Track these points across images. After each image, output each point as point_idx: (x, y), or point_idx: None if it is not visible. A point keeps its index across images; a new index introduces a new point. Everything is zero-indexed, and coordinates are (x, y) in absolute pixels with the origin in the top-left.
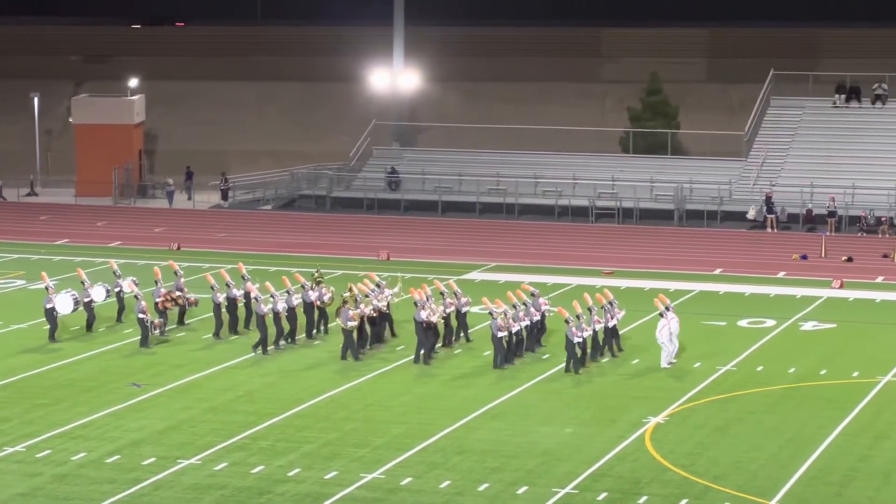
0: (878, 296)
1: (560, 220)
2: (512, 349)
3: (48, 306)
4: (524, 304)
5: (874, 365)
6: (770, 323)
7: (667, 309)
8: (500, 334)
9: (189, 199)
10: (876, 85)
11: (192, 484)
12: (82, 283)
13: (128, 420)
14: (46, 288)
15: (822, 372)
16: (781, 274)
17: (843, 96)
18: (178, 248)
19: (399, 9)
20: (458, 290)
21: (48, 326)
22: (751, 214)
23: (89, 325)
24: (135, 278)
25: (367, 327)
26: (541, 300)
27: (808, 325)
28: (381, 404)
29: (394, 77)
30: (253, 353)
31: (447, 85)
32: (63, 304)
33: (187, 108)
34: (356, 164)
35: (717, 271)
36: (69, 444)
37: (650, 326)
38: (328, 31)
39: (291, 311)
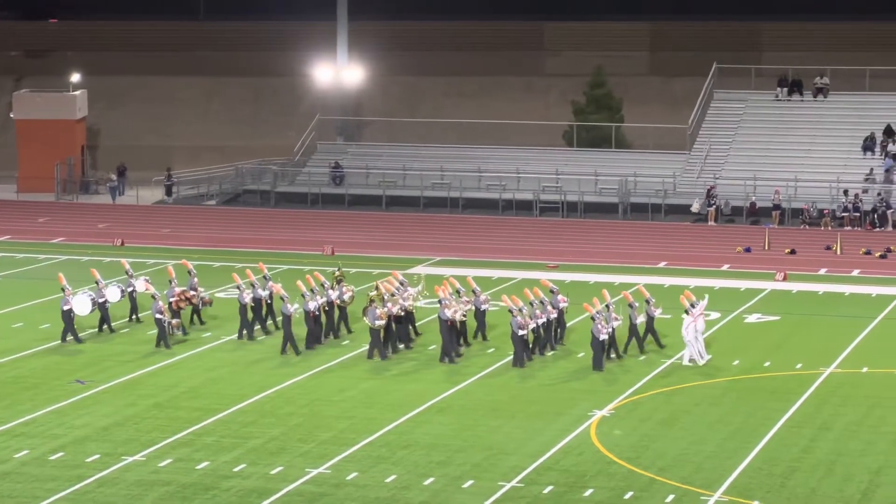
0: (822, 288)
1: (504, 214)
2: (529, 347)
3: (65, 308)
4: (541, 301)
5: (817, 357)
6: (714, 315)
7: (692, 306)
8: (520, 332)
9: (121, 194)
10: (817, 78)
11: (137, 480)
12: (96, 282)
13: (71, 417)
14: (63, 289)
15: (766, 364)
16: (725, 267)
17: (786, 89)
18: (122, 244)
19: (342, 3)
20: (477, 288)
21: (63, 327)
22: (695, 207)
23: (101, 326)
24: (147, 277)
25: (393, 326)
26: (559, 297)
27: (753, 318)
28: (327, 399)
29: (337, 72)
30: (283, 356)
31: (391, 79)
32: (81, 305)
33: (130, 104)
34: (300, 159)
35: (662, 264)
36: (12, 441)
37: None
38: (272, 26)
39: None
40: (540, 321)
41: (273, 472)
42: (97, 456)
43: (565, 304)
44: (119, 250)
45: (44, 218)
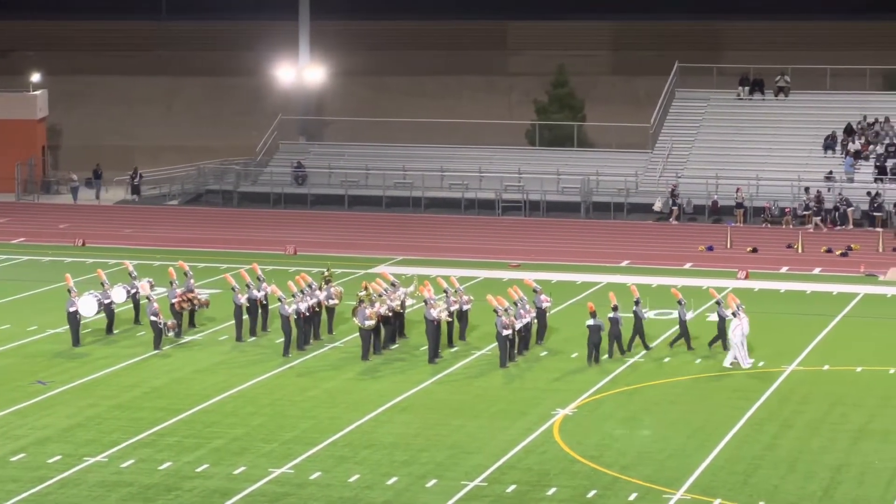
0: (783, 286)
1: (467, 214)
2: (513, 347)
3: (71, 309)
4: (521, 299)
5: (779, 354)
6: (674, 315)
7: (738, 308)
8: (504, 332)
9: (97, 197)
10: (779, 77)
11: (99, 481)
12: (102, 284)
13: (33, 418)
14: (69, 290)
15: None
16: (688, 265)
17: (747, 88)
18: (84, 245)
19: (304, 3)
20: (461, 288)
21: (71, 331)
22: (657, 206)
23: (109, 328)
24: (151, 280)
25: (382, 327)
26: (542, 297)
27: (715, 316)
28: (289, 399)
29: (300, 71)
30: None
31: (353, 79)
32: (87, 306)
33: (92, 104)
34: (263, 159)
35: (625, 263)
36: None
37: (555, 319)
38: (233, 25)
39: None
40: (525, 320)
41: (236, 472)
42: (59, 457)
43: (548, 304)
44: (80, 250)
45: (4, 218)
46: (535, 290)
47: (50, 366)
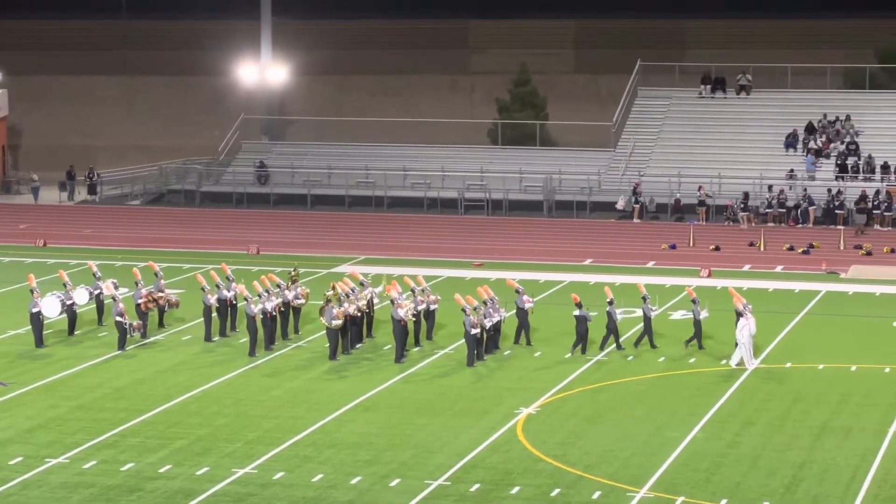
0: (746, 284)
1: (429, 213)
2: (482, 346)
3: (34, 310)
4: (491, 299)
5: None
6: (640, 312)
7: (745, 308)
8: (473, 331)
9: (70, 199)
10: (740, 75)
11: (61, 483)
12: (64, 285)
13: None
14: (32, 291)
15: (692, 360)
16: (651, 263)
17: (709, 87)
18: (45, 245)
19: (266, 2)
20: (427, 287)
21: (33, 332)
22: (620, 205)
23: (71, 329)
24: (115, 280)
25: (349, 326)
26: (524, 297)
27: (678, 315)
28: (253, 399)
29: (262, 71)
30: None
31: (315, 78)
32: (50, 307)
33: (53, 103)
34: (225, 159)
35: (588, 261)
36: None
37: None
38: (195, 24)
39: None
40: (494, 320)
41: (199, 472)
42: (20, 458)
43: (530, 305)
44: (41, 251)
45: None
46: (517, 291)
47: (11, 367)
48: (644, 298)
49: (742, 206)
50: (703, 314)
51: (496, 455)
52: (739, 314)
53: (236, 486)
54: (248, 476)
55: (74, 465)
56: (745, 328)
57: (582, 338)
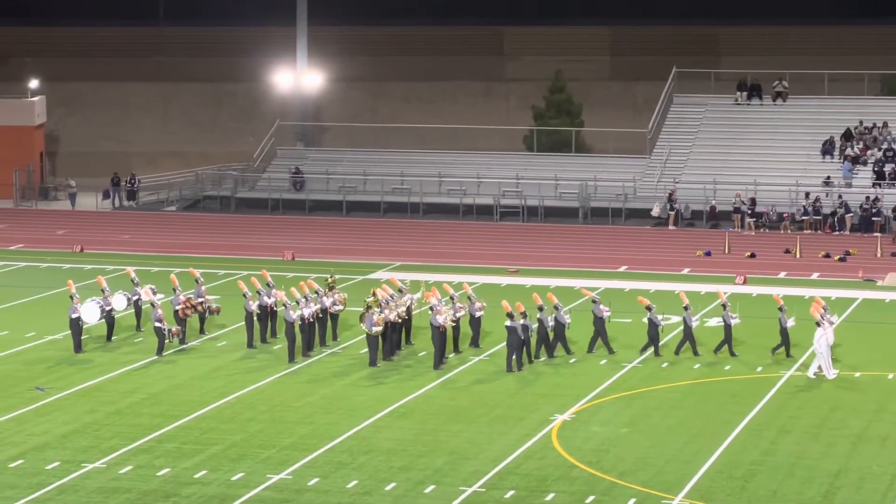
0: (781, 291)
1: (465, 219)
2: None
3: (74, 316)
4: (468, 297)
5: (778, 360)
6: (675, 319)
7: (822, 317)
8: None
9: (115, 206)
10: (776, 82)
11: (97, 487)
12: (102, 291)
13: (31, 424)
14: (71, 297)
15: (727, 367)
16: (686, 270)
17: (745, 94)
18: (82, 251)
19: (302, 9)
20: (472, 294)
21: (73, 337)
22: (655, 211)
23: (109, 334)
24: (153, 286)
25: (389, 333)
26: (562, 312)
27: (713, 321)
28: (288, 405)
29: (297, 77)
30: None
31: (351, 85)
32: (89, 313)
33: (90, 110)
34: (260, 165)
35: (623, 268)
36: None
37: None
38: (231, 31)
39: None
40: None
41: (234, 478)
42: (57, 463)
43: (608, 314)
44: (78, 256)
45: (3, 224)
46: (593, 301)
47: (49, 372)
48: (686, 308)
49: (749, 211)
50: (790, 322)
51: (531, 462)
52: (818, 323)
53: (271, 491)
54: (283, 482)
55: (111, 471)
56: (823, 338)
57: (653, 340)
